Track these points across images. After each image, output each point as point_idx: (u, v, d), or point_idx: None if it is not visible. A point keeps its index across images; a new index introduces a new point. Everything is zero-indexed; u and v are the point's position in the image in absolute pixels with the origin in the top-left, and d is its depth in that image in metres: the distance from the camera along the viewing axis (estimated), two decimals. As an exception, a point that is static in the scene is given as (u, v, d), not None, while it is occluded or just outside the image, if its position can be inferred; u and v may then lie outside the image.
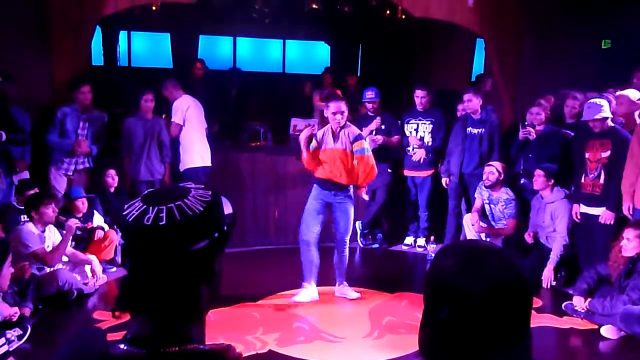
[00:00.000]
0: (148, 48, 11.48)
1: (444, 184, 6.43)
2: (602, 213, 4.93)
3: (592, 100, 5.04)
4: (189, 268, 1.07)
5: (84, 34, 6.33)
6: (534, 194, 5.66)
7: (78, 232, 5.39)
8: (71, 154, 5.83)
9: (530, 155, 5.79)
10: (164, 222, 1.04)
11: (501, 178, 5.79)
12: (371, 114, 6.57)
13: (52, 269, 4.83)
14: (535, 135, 5.73)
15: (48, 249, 4.83)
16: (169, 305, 1.06)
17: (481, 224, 5.93)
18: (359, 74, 10.99)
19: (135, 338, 1.06)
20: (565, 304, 4.75)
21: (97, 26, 7.06)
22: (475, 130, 6.11)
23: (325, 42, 11.83)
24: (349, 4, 9.79)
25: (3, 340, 3.84)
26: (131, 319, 1.08)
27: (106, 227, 5.60)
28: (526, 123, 5.80)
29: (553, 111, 6.14)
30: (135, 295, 1.08)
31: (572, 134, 5.62)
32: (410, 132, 6.50)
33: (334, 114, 4.71)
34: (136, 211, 1.07)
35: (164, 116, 6.47)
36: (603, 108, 4.89)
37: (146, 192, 1.14)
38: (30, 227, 4.78)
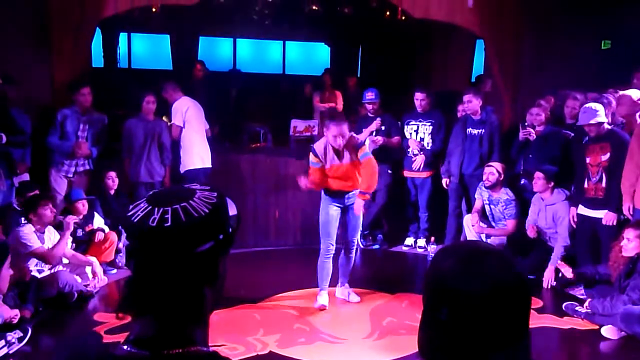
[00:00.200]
0: (148, 50, 11.50)
1: (444, 185, 6.43)
2: (605, 215, 4.93)
3: (587, 105, 5.04)
4: (194, 270, 1.07)
5: (84, 34, 6.34)
6: (534, 194, 5.66)
7: (79, 234, 5.40)
8: (71, 156, 5.83)
9: (530, 156, 5.79)
10: (169, 224, 1.04)
11: (501, 179, 5.79)
12: (371, 115, 6.57)
13: (53, 269, 4.84)
14: (535, 136, 5.73)
15: (48, 250, 4.84)
16: (172, 306, 1.06)
17: (481, 224, 5.93)
18: (359, 75, 11.02)
19: (139, 339, 1.05)
20: (565, 304, 4.75)
21: (97, 28, 7.08)
22: (475, 131, 6.11)
23: (325, 43, 11.85)
24: (349, 5, 9.81)
25: (3, 342, 3.84)
26: (134, 320, 1.08)
27: (106, 229, 5.60)
28: (526, 124, 5.80)
29: (553, 112, 6.14)
30: (139, 297, 1.07)
31: (572, 134, 5.62)
32: (410, 134, 6.50)
33: (335, 137, 4.55)
34: (141, 212, 1.07)
35: (164, 118, 6.47)
36: (598, 113, 4.90)
37: (151, 193, 1.14)
38: (30, 228, 4.79)
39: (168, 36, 10.88)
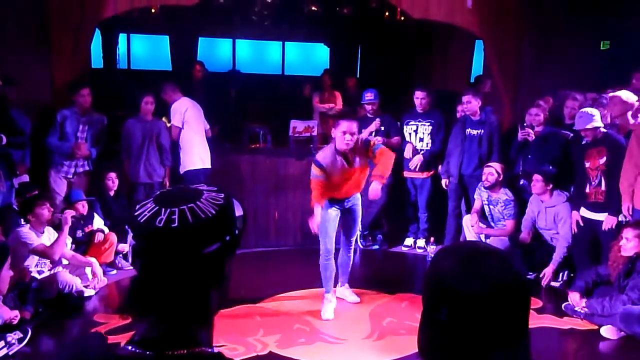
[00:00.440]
0: (147, 50, 11.50)
1: (443, 185, 6.43)
2: (605, 219, 4.94)
3: (583, 110, 5.07)
4: (200, 271, 1.07)
5: (84, 35, 6.34)
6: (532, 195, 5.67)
7: (78, 235, 5.40)
8: (71, 157, 5.83)
9: (529, 157, 5.80)
10: (176, 225, 1.04)
11: (500, 179, 5.80)
12: (370, 116, 6.57)
13: (53, 270, 4.84)
14: (534, 137, 5.74)
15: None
16: (178, 307, 1.06)
17: (480, 224, 5.94)
18: (358, 76, 11.02)
19: (143, 340, 1.05)
20: (565, 304, 4.75)
21: (97, 29, 7.08)
22: (475, 132, 6.12)
23: (324, 44, 11.86)
24: (348, 5, 9.81)
25: (3, 343, 3.84)
26: (139, 321, 1.08)
27: (106, 230, 5.60)
28: (525, 124, 5.80)
29: (552, 112, 6.14)
30: (145, 297, 1.07)
31: (572, 135, 5.62)
32: (410, 134, 6.50)
33: (344, 132, 4.30)
34: (148, 212, 1.06)
35: (163, 119, 6.47)
36: (594, 117, 4.92)
37: (158, 193, 1.13)
38: (29, 228, 4.80)
39: (167, 37, 10.88)
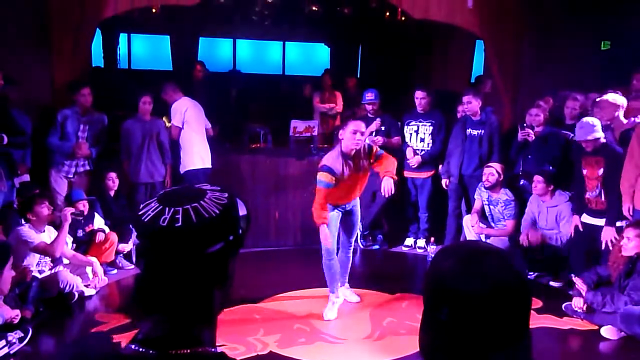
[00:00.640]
0: (148, 50, 11.52)
1: (444, 185, 6.43)
2: (603, 231, 4.94)
3: (584, 120, 5.06)
4: (203, 271, 1.07)
5: (84, 35, 6.34)
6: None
7: (79, 235, 5.41)
8: (71, 157, 5.84)
9: (529, 157, 5.80)
10: (179, 224, 1.04)
11: (501, 179, 5.80)
12: (371, 116, 6.57)
13: (54, 269, 4.85)
14: (534, 137, 5.74)
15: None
16: (181, 307, 1.06)
17: (481, 225, 5.94)
18: (358, 76, 11.02)
19: (147, 339, 1.05)
20: (565, 304, 4.76)
21: (97, 28, 7.08)
22: (475, 132, 6.12)
23: (325, 44, 11.86)
24: (349, 5, 9.82)
25: (4, 342, 3.85)
26: (143, 320, 1.08)
27: (107, 230, 5.60)
28: (525, 124, 5.81)
29: (552, 113, 6.14)
30: (149, 296, 1.07)
31: (572, 135, 5.62)
32: (411, 134, 6.50)
33: (355, 132, 4.31)
34: (152, 212, 1.07)
35: (164, 119, 6.48)
36: (595, 128, 4.93)
37: (162, 192, 1.13)
38: (29, 227, 4.81)
39: (168, 37, 10.89)
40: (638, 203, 4.70)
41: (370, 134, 6.42)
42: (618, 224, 4.87)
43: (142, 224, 1.06)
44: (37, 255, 4.84)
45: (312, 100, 8.65)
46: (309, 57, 12.09)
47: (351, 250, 4.93)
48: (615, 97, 5.29)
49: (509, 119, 7.01)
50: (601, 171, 4.98)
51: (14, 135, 5.15)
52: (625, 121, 5.30)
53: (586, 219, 5.19)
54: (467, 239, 5.95)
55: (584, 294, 4.55)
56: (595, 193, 5.06)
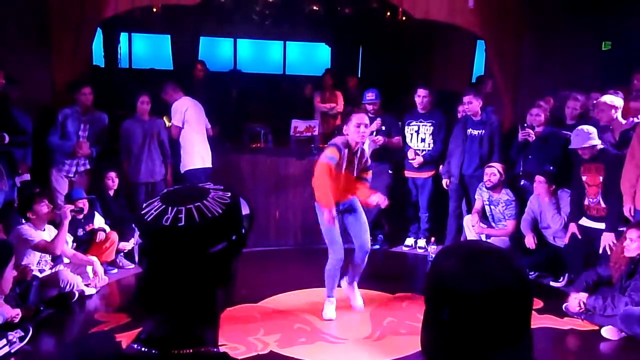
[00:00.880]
0: (149, 50, 11.52)
1: (444, 185, 6.43)
2: (603, 236, 4.94)
3: (580, 128, 5.07)
4: (206, 270, 1.07)
5: (84, 34, 6.34)
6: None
7: (80, 234, 5.41)
8: (72, 156, 5.84)
9: (530, 157, 5.80)
10: (182, 224, 1.03)
11: (502, 179, 5.80)
12: (372, 116, 6.54)
13: (54, 268, 4.85)
14: (534, 137, 5.74)
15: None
16: (184, 306, 1.06)
17: (481, 225, 5.94)
18: (359, 76, 11.02)
19: (149, 338, 1.05)
20: (565, 304, 4.75)
21: (98, 28, 7.08)
22: (476, 132, 6.12)
23: (325, 44, 11.86)
24: (350, 5, 9.81)
25: (4, 341, 3.85)
26: (145, 319, 1.08)
27: (107, 229, 5.60)
28: (525, 124, 5.81)
29: (552, 113, 6.15)
30: (151, 296, 1.07)
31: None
32: (412, 134, 6.50)
33: (358, 125, 4.35)
34: (155, 211, 1.06)
35: (164, 118, 6.48)
36: (591, 135, 4.93)
37: (165, 191, 1.13)
38: (29, 225, 4.82)
39: (169, 36, 10.89)
40: (639, 203, 4.69)
41: (371, 133, 6.42)
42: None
43: (144, 224, 1.06)
44: (38, 255, 4.84)
45: (313, 100, 8.64)
46: (310, 56, 12.09)
47: (367, 251, 4.77)
48: (612, 99, 5.29)
49: (510, 119, 7.01)
50: (602, 178, 4.98)
51: (14, 135, 5.16)
52: (623, 122, 5.30)
53: (585, 222, 5.19)
54: (468, 239, 5.95)
55: (582, 306, 4.51)
56: (595, 200, 5.07)
